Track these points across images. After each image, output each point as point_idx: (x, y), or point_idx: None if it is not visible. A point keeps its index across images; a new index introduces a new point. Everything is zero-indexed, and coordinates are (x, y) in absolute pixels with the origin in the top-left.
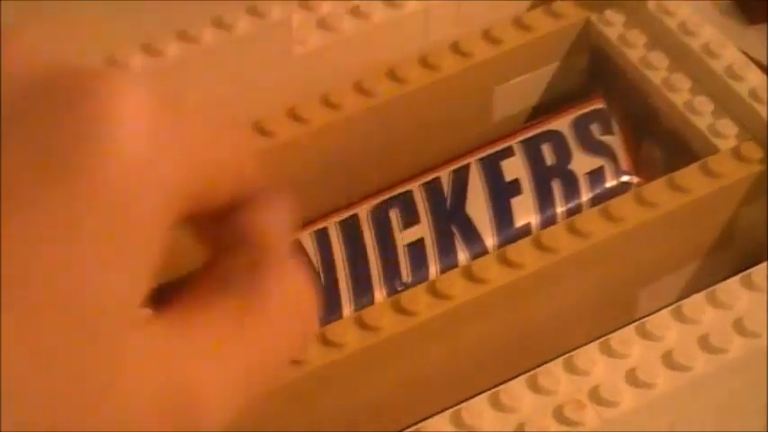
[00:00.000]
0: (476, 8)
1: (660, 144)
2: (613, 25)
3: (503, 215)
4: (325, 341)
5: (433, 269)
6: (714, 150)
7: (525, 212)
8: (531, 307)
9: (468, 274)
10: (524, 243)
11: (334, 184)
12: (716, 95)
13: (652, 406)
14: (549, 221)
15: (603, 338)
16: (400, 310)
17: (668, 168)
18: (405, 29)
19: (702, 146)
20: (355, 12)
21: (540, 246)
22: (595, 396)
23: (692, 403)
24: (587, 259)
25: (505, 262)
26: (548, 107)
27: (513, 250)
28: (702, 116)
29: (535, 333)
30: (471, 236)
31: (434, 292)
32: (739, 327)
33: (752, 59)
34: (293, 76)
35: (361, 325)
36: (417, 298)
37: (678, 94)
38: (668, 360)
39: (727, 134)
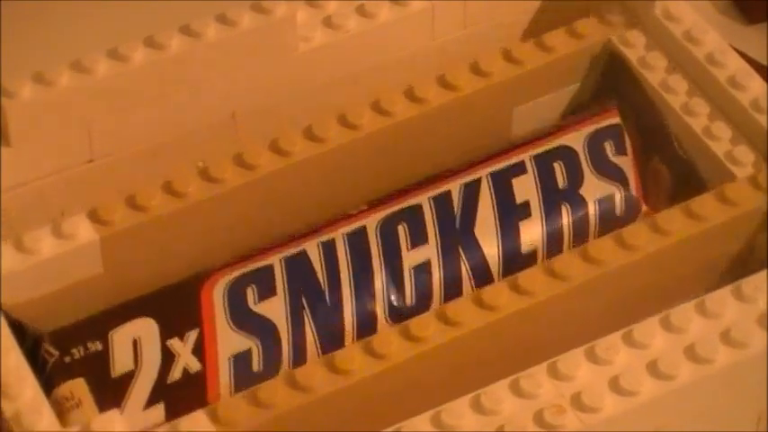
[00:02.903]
0: (482, 8)
1: (673, 167)
2: (634, 47)
3: (510, 239)
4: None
5: (437, 294)
6: (731, 178)
7: (532, 237)
8: (541, 333)
9: (479, 302)
10: (536, 270)
11: (350, 203)
12: (735, 123)
13: (634, 413)
14: (555, 247)
15: (588, 345)
16: (409, 336)
17: (680, 193)
18: (410, 28)
19: (718, 173)
20: (361, 10)
21: (552, 273)
22: (577, 402)
23: (676, 412)
24: (599, 287)
25: (516, 289)
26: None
27: (524, 278)
28: (720, 142)
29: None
30: (478, 261)
31: (445, 318)
32: (726, 337)
33: (751, 61)
34: (297, 73)
35: (370, 352)
36: (427, 324)
37: (696, 119)
38: (652, 368)
39: (744, 162)
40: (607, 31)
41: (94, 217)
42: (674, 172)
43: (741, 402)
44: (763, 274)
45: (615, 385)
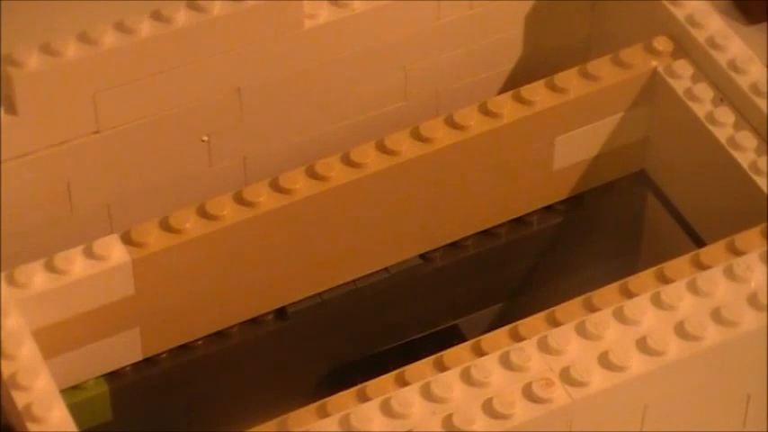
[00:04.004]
0: None
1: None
2: (681, 78)
3: None
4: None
5: None
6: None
7: None
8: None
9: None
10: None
11: (389, 229)
12: None
13: (623, 388)
14: None
15: (580, 320)
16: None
17: (727, 227)
18: (416, 7)
19: (765, 208)
20: None
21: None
22: (566, 375)
23: (664, 389)
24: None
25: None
26: (608, 158)
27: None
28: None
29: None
30: None
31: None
32: (717, 316)
33: None
34: (302, 51)
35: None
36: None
37: (743, 154)
38: (642, 344)
39: None
40: (654, 59)
41: (127, 239)
42: (725, 210)
43: (730, 382)
44: (755, 254)
45: (604, 360)
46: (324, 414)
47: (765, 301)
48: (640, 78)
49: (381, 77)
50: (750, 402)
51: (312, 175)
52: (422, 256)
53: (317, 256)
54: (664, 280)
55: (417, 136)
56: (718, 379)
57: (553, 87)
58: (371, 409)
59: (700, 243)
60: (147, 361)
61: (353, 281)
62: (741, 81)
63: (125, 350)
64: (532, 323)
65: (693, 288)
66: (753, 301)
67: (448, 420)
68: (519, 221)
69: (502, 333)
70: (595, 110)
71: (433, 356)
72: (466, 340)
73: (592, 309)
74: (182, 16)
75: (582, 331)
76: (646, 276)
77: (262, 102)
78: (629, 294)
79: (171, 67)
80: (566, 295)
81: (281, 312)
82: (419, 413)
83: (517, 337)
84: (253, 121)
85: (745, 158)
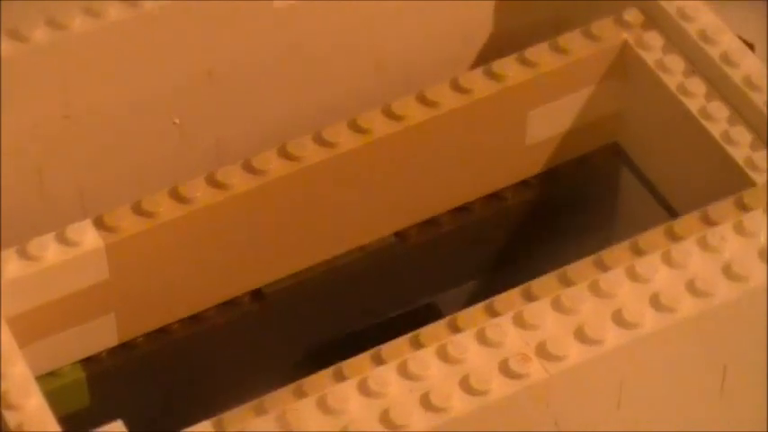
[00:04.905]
0: None
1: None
2: (652, 49)
3: None
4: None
5: None
6: (750, 184)
7: None
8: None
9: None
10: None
11: (362, 210)
12: (755, 127)
13: (599, 362)
14: None
15: (555, 295)
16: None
17: (701, 198)
18: None
19: (738, 178)
20: None
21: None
22: (542, 350)
23: (642, 361)
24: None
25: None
26: (581, 132)
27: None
28: (739, 148)
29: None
30: None
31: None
32: (691, 287)
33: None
34: (272, 29)
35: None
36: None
37: (715, 124)
38: (618, 317)
39: (764, 167)
40: (624, 31)
41: (100, 224)
42: (698, 181)
43: (706, 353)
44: (728, 225)
45: (580, 334)
46: (301, 395)
47: (739, 272)
48: (611, 51)
49: (352, 56)
50: (726, 373)
51: (285, 155)
52: (397, 233)
53: (291, 236)
54: (638, 252)
55: (390, 114)
56: (694, 350)
57: (524, 62)
58: (348, 388)
59: (674, 214)
60: (124, 346)
61: (329, 260)
62: (712, 52)
63: (101, 335)
64: (508, 298)
65: (668, 260)
66: (727, 271)
67: (425, 398)
68: (493, 197)
69: (478, 309)
70: (567, 83)
71: (409, 334)
72: (443, 317)
73: (567, 283)
74: None
75: (557, 306)
76: (620, 249)
77: (233, 83)
78: (603, 268)
79: (141, 51)
80: (541, 269)
81: (257, 294)
82: (396, 391)
83: (493, 313)
84: (224, 103)
85: (717, 129)
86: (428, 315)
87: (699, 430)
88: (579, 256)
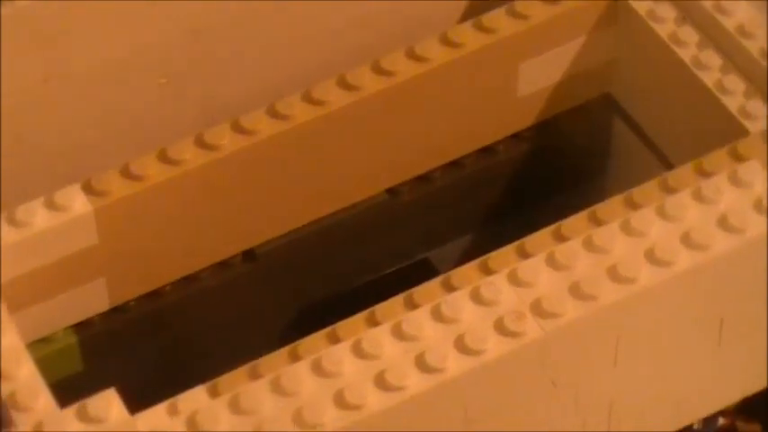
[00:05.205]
0: None
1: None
2: None
3: None
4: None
5: None
6: (744, 133)
7: None
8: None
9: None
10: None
11: (353, 167)
12: (748, 75)
13: (594, 318)
14: None
15: (549, 251)
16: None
17: (694, 148)
18: None
19: (732, 128)
20: None
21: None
22: (537, 308)
23: (638, 315)
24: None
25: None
26: (573, 83)
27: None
28: (733, 96)
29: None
30: None
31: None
32: (687, 240)
33: None
34: None
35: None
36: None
37: (708, 73)
38: (613, 272)
39: (758, 116)
40: None
41: (88, 188)
42: (692, 130)
43: (703, 306)
44: (723, 175)
45: (576, 290)
46: (295, 358)
47: (735, 223)
48: (602, 1)
49: (340, 12)
50: (723, 326)
51: (274, 114)
52: (389, 190)
53: (283, 196)
54: (633, 206)
55: (379, 70)
56: (690, 304)
57: (514, 14)
58: (343, 350)
59: (667, 164)
60: (115, 310)
61: (321, 219)
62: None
63: (92, 300)
64: (502, 256)
65: (663, 213)
66: (723, 223)
67: (420, 359)
68: (486, 151)
69: (472, 267)
70: (558, 34)
71: (403, 294)
72: (438, 273)
73: (561, 238)
74: None
75: (552, 262)
76: (614, 203)
77: (219, 42)
78: (598, 222)
79: (125, 10)
80: (535, 222)
81: (249, 254)
82: (390, 353)
83: (487, 271)
84: (211, 62)
85: (710, 78)
86: (422, 271)
87: (696, 385)
88: (572, 208)
